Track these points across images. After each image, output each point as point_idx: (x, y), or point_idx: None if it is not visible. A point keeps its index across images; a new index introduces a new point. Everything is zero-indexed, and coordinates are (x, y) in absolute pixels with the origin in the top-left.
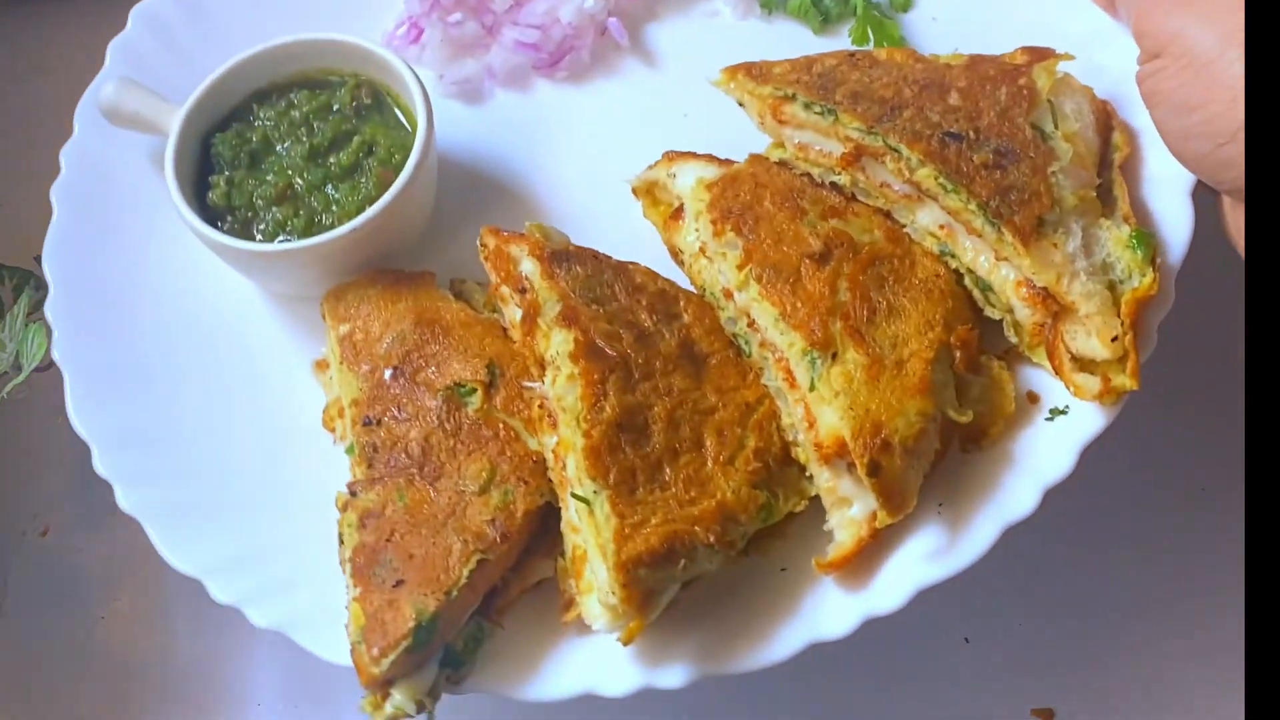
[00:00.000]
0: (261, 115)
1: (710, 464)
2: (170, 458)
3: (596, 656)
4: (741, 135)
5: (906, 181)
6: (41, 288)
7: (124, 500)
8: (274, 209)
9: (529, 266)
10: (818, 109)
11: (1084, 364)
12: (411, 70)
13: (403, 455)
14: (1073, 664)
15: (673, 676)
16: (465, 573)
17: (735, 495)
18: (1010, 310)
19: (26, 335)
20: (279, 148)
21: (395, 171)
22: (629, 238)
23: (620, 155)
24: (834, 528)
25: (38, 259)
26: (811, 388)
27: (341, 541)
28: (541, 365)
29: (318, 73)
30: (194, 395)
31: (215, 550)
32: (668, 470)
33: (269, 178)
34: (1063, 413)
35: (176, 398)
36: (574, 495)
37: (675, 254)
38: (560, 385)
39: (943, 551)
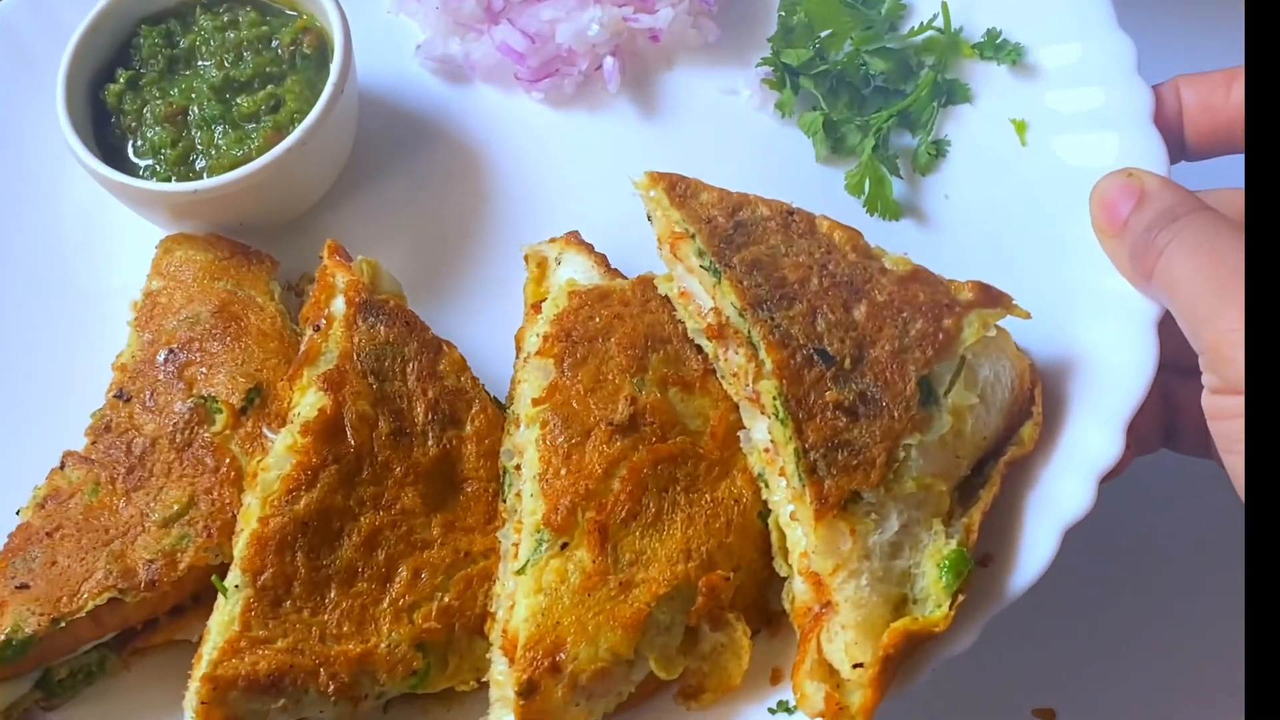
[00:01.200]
0: (202, 22)
1: (385, 604)
2: None
3: None
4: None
5: (748, 384)
6: None
7: None
8: (156, 128)
9: (338, 306)
10: (707, 263)
11: (828, 670)
12: (346, 34)
13: (124, 449)
14: (1074, 664)
15: None
16: (90, 605)
17: (389, 650)
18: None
19: None
20: (199, 63)
21: (288, 130)
22: None
23: (568, 191)
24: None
25: None
26: (522, 570)
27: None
28: (283, 418)
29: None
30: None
31: None
32: (333, 594)
33: (172, 93)
34: (789, 711)
35: None
36: (214, 580)
37: (517, 348)
38: (277, 453)
39: None
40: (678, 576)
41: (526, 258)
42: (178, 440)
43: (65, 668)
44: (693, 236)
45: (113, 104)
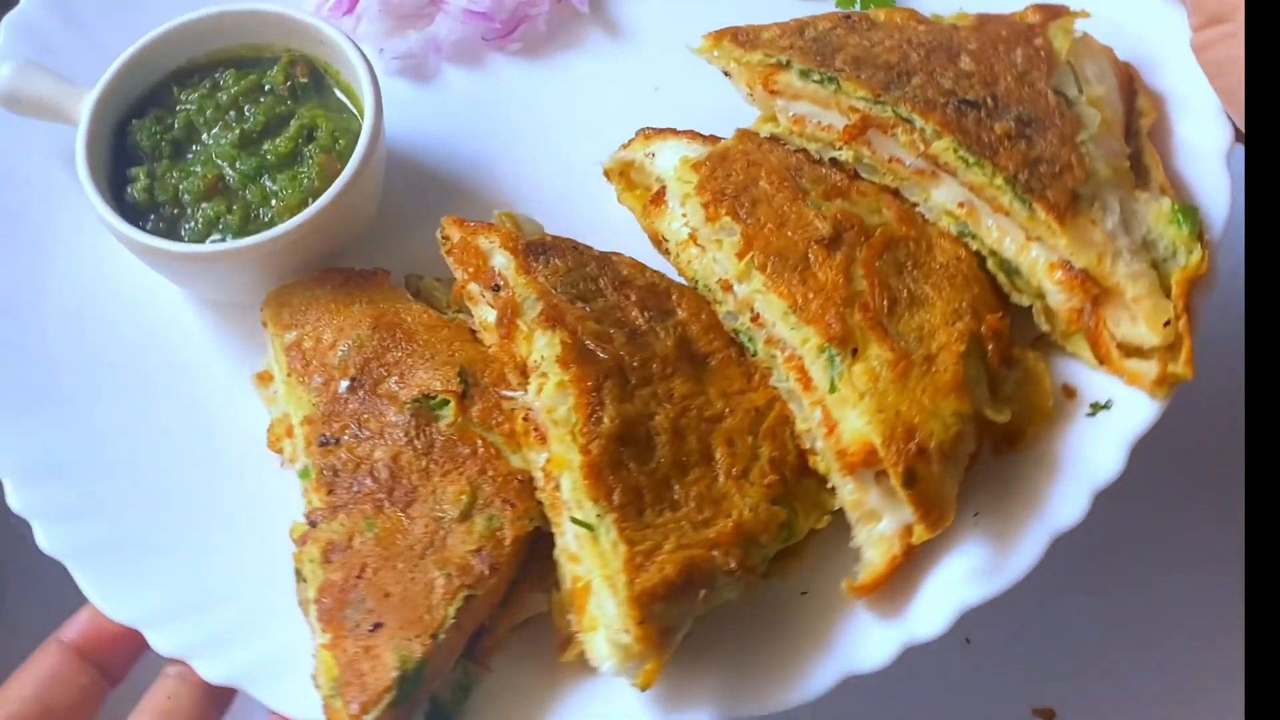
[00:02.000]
0: (183, 98)
1: (723, 479)
2: (95, 489)
3: (604, 701)
4: (721, 110)
5: (920, 155)
6: None
7: (45, 540)
8: (203, 205)
9: (502, 261)
10: (817, 77)
11: (1129, 351)
12: (354, 43)
13: (368, 479)
14: (1074, 664)
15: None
16: (452, 611)
17: (753, 513)
18: (1041, 295)
19: None
20: (205, 135)
21: (340, 159)
22: (601, 227)
23: (587, 136)
24: (862, 545)
25: None
26: (832, 389)
27: (301, 579)
28: (523, 372)
29: (245, 49)
30: (119, 417)
31: (154, 595)
32: (677, 488)
33: (196, 169)
34: (1105, 407)
35: (98, 420)
36: (574, 520)
37: (658, 242)
38: (549, 395)
39: (986, 568)
40: (964, 333)
41: (607, 173)
42: (418, 446)
43: (445, 690)
44: (788, 64)
45: (144, 202)
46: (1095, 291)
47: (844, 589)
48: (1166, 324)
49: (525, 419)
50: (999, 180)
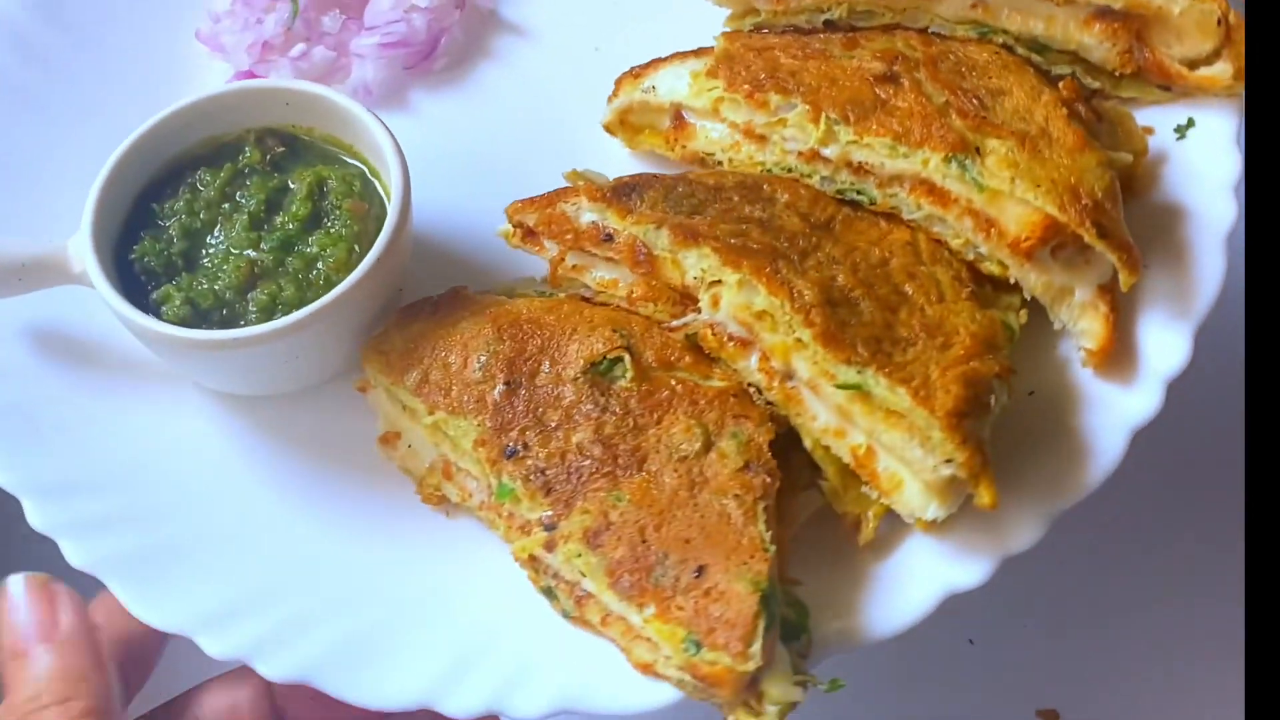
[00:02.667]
0: (168, 212)
1: (929, 308)
2: (122, 499)
3: (915, 565)
4: (666, 46)
5: None
6: None
7: (74, 556)
8: (250, 294)
9: (594, 215)
10: None
11: (1192, 66)
12: (323, 89)
13: (584, 461)
14: (1077, 665)
15: (1024, 536)
16: (762, 526)
17: (976, 324)
18: (1078, 59)
19: None
20: (210, 237)
21: (364, 198)
22: None
23: (554, 125)
24: (1067, 323)
25: None
26: (979, 189)
27: (553, 596)
28: (683, 297)
29: (204, 144)
30: (140, 423)
31: (199, 600)
32: (900, 328)
33: (223, 269)
34: (1191, 125)
35: (117, 428)
36: (839, 386)
37: (699, 162)
38: (735, 297)
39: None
40: (1053, 101)
41: (608, 128)
42: (616, 410)
43: (788, 609)
44: None
45: (189, 317)
46: (1136, 26)
47: (1082, 361)
48: (1219, 23)
49: (714, 334)
50: None
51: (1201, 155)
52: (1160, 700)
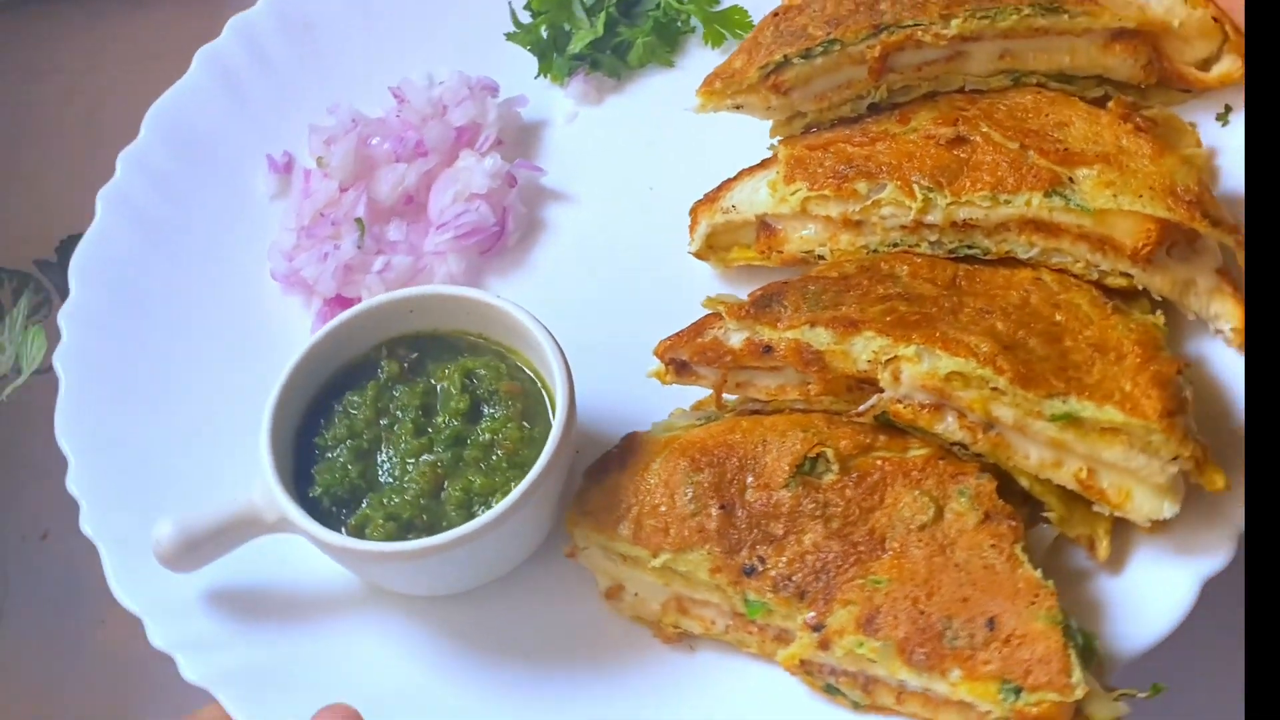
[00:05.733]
0: (330, 444)
1: (1087, 329)
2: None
3: (1169, 554)
4: (714, 167)
5: (945, 42)
6: (40, 290)
7: (190, 672)
8: (442, 493)
9: (746, 330)
10: (818, 50)
11: (1202, 68)
12: (438, 288)
13: (824, 558)
14: None
15: (1238, 509)
16: (1031, 566)
17: (1131, 332)
18: (1105, 81)
19: (26, 338)
20: (380, 455)
21: (514, 377)
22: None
23: (636, 267)
24: (1199, 312)
25: (37, 262)
26: (1087, 213)
27: (838, 693)
28: (861, 384)
29: (338, 372)
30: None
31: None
32: (1074, 354)
33: (406, 479)
34: (1229, 110)
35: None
36: (1051, 418)
37: (802, 261)
38: (915, 367)
39: None
40: (1114, 118)
41: (699, 254)
42: (835, 504)
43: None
44: (783, 61)
45: (394, 532)
46: (1151, 40)
47: (1226, 340)
48: (1215, 20)
49: (905, 407)
50: (1025, 9)
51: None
52: (1160, 700)
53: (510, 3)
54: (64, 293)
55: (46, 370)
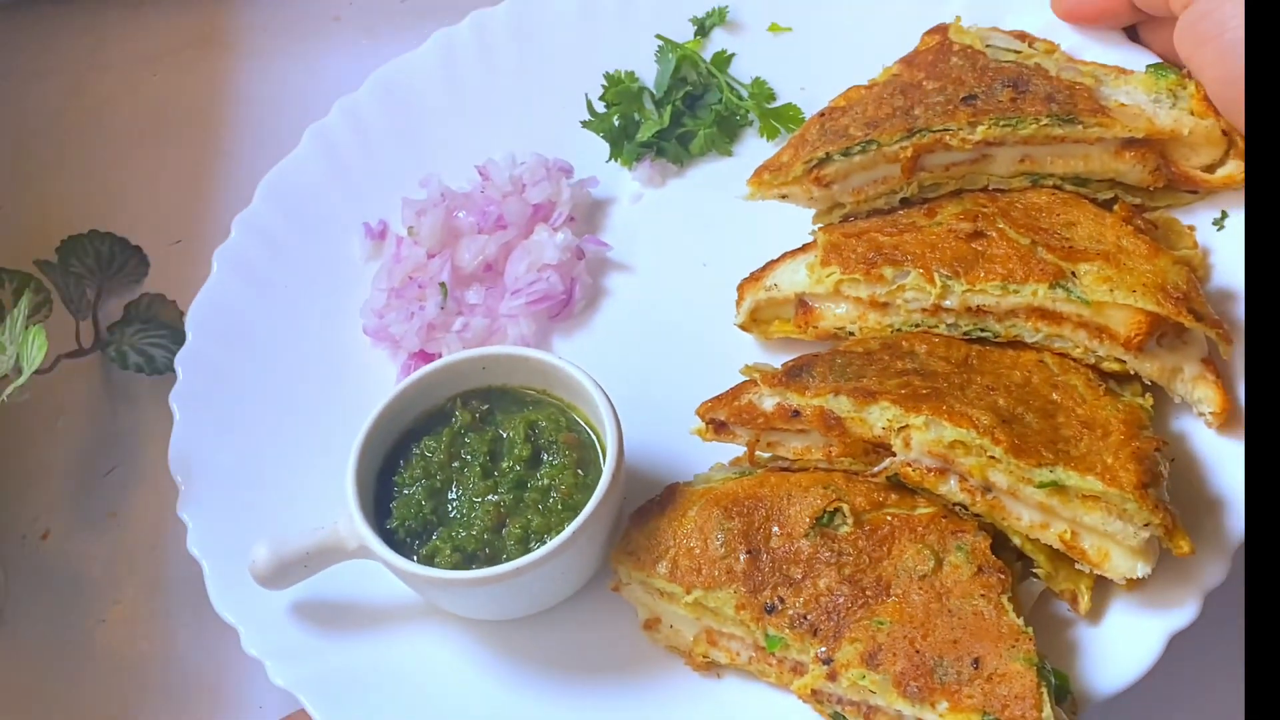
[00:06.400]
0: (407, 482)
1: (1079, 408)
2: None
3: (1143, 610)
4: (759, 248)
5: (972, 145)
6: (41, 290)
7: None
8: (503, 530)
9: (778, 396)
10: (857, 149)
11: (1208, 170)
12: (508, 348)
13: (837, 599)
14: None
15: (1216, 571)
16: (1013, 614)
17: (1121, 411)
18: (1116, 184)
19: (26, 338)
20: (450, 494)
21: (571, 429)
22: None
23: (688, 335)
24: (1184, 396)
25: (37, 262)
26: (1086, 305)
27: (843, 706)
28: (877, 448)
29: (417, 420)
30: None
31: None
32: (1064, 429)
33: (474, 516)
34: (1225, 217)
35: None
36: (1039, 485)
37: (834, 336)
38: (925, 436)
39: None
40: (1117, 220)
41: (744, 327)
42: (848, 552)
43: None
44: (826, 158)
45: (459, 563)
46: (1159, 147)
47: (1206, 422)
48: (1223, 133)
49: (913, 470)
50: (1043, 120)
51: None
52: (1160, 700)
53: (587, 94)
54: (64, 293)
55: (47, 370)
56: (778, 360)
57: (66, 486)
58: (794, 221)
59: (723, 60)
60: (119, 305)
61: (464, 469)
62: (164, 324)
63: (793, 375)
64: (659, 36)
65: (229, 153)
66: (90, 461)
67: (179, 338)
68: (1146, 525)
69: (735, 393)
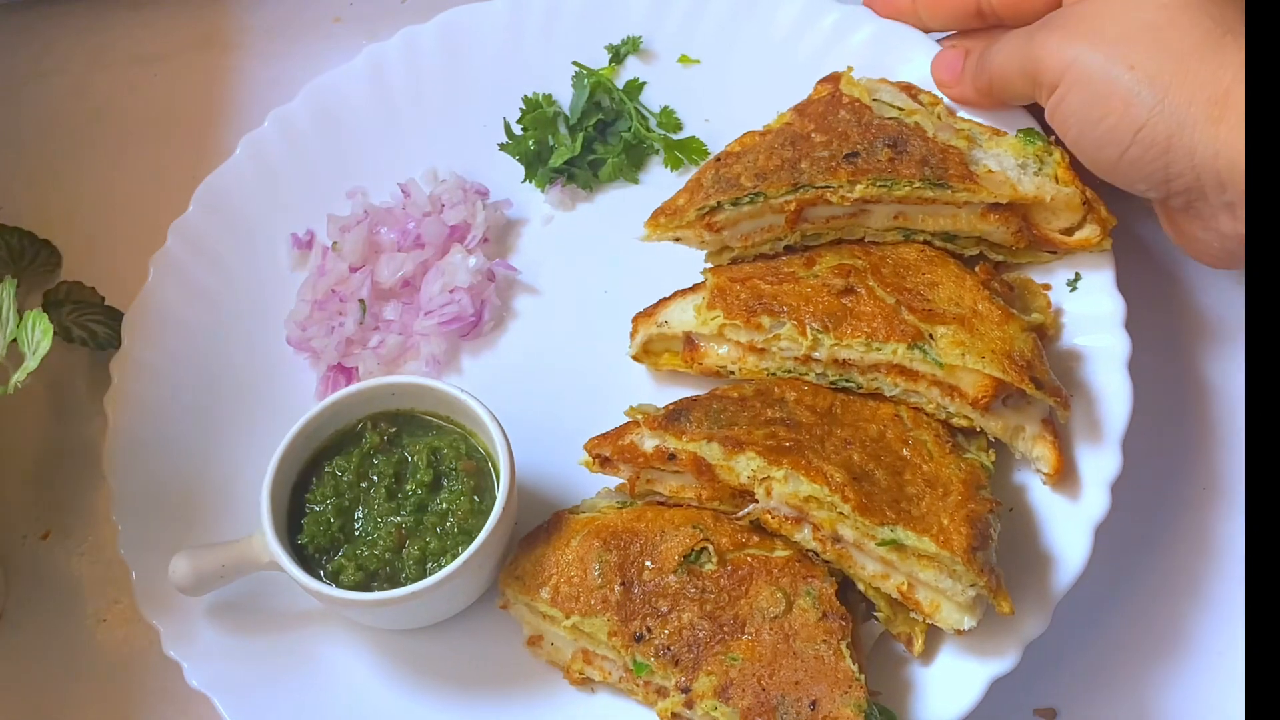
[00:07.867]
0: (318, 499)
1: (925, 465)
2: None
3: (970, 656)
4: (659, 279)
5: (850, 202)
6: None
7: (194, 678)
8: (403, 551)
9: (657, 438)
10: (746, 200)
11: (1068, 233)
12: (415, 378)
13: (698, 633)
14: (1075, 664)
15: (1037, 624)
16: (850, 660)
17: (963, 472)
18: (982, 241)
19: (25, 323)
20: (357, 513)
21: (470, 456)
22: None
23: (585, 359)
24: (1025, 453)
25: None
26: (939, 366)
27: None
28: (741, 494)
29: (331, 439)
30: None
31: None
32: (909, 486)
33: (376, 536)
34: (1079, 279)
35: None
36: (880, 544)
37: (717, 373)
38: (784, 488)
39: None
40: (976, 284)
41: (636, 358)
42: (710, 590)
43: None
44: (717, 206)
45: (361, 582)
46: (1022, 211)
47: (1042, 480)
48: (1084, 203)
49: (773, 517)
50: (916, 183)
51: (1091, 300)
52: (1160, 700)
53: (505, 118)
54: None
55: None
56: (667, 389)
57: (67, 487)
58: (688, 259)
59: (635, 88)
60: (37, 297)
61: (371, 490)
62: (92, 304)
63: (672, 419)
64: (575, 64)
65: (229, 153)
66: (91, 461)
67: (115, 315)
68: (973, 586)
69: (620, 432)
